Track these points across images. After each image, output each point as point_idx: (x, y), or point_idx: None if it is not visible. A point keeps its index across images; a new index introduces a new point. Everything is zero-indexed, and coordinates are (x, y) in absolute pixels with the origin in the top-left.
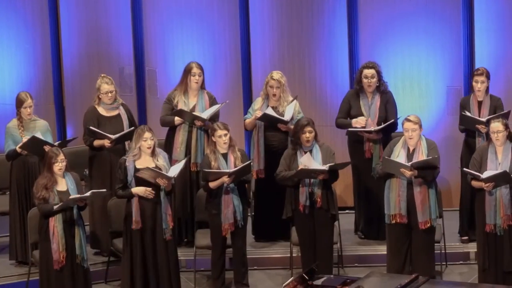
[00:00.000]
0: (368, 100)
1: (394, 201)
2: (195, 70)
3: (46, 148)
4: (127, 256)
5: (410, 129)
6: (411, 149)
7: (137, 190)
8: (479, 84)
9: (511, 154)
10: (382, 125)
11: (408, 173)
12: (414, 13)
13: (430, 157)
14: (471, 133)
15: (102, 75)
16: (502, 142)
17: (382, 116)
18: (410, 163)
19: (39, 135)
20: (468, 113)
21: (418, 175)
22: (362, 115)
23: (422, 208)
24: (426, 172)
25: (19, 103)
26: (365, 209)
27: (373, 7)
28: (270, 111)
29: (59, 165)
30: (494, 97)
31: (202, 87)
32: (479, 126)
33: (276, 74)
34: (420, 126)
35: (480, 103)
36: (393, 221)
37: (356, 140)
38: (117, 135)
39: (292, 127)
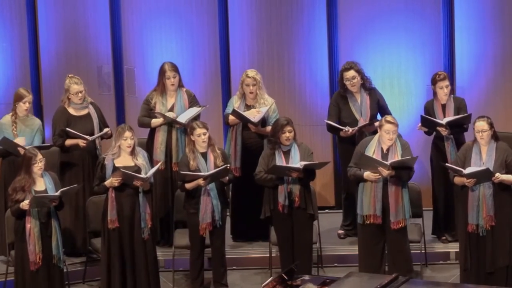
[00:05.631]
0: (357, 101)
1: (368, 202)
2: (168, 73)
3: (20, 149)
4: (105, 255)
5: (391, 131)
6: (384, 148)
7: (107, 182)
8: (444, 89)
9: (495, 154)
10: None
11: (385, 172)
12: (394, 11)
13: (409, 157)
14: (439, 134)
15: (70, 75)
16: (487, 141)
17: (373, 114)
18: (389, 162)
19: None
20: (425, 116)
21: (394, 174)
22: (354, 117)
23: (395, 209)
24: (402, 172)
25: (18, 98)
26: (353, 208)
27: (352, 5)
28: (240, 110)
29: (38, 165)
30: (457, 98)
31: (180, 85)
32: (439, 129)
33: (251, 72)
34: (397, 126)
35: (443, 106)
36: (367, 222)
37: (347, 142)
38: (94, 137)
39: (264, 129)
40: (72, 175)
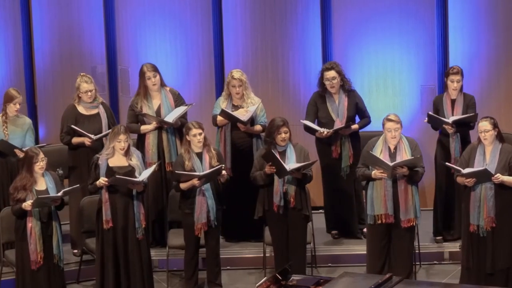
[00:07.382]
0: (335, 102)
1: (379, 201)
2: (148, 73)
3: (17, 151)
4: (100, 255)
5: (393, 129)
6: (392, 148)
7: (97, 182)
8: (455, 83)
9: (499, 156)
10: (360, 121)
11: (400, 170)
12: (388, 12)
13: (412, 158)
14: (445, 132)
15: (82, 74)
16: (490, 142)
17: (350, 116)
18: (393, 163)
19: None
20: (432, 114)
21: (407, 173)
22: (330, 117)
23: (405, 207)
24: (413, 172)
25: (9, 98)
26: (337, 208)
27: (346, 6)
28: (228, 110)
29: (40, 164)
30: (467, 96)
31: (162, 84)
32: (446, 127)
33: (236, 73)
34: (401, 125)
35: (453, 102)
36: (378, 221)
37: (324, 141)
38: (98, 136)
39: (253, 128)
40: (77, 174)
